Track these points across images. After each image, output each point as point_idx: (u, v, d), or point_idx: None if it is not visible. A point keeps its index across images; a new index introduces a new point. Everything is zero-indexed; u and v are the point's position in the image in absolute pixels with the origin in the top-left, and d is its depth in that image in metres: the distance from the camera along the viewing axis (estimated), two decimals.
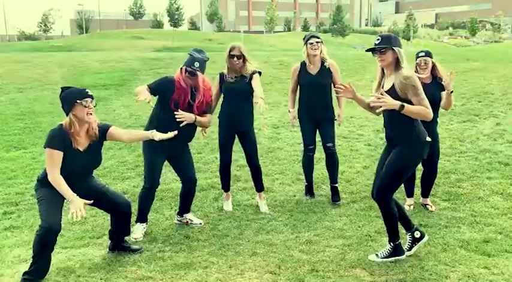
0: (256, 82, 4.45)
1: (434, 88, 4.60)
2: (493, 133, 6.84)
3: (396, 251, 3.63)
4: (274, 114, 8.19)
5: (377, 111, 3.61)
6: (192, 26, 70.14)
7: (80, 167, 3.43)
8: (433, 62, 4.69)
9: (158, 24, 57.60)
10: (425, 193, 4.81)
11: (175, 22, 46.62)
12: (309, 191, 5.10)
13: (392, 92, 3.39)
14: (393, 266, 3.51)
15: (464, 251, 3.79)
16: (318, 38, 4.86)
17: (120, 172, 5.70)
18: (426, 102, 3.37)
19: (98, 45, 35.43)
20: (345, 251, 3.78)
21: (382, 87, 3.52)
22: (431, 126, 4.59)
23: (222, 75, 4.61)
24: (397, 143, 3.53)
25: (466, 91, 8.84)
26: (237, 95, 4.53)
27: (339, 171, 5.27)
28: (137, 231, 4.08)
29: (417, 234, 3.71)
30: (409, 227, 3.71)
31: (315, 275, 3.38)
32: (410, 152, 3.48)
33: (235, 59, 4.47)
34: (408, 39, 48.12)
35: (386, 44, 3.42)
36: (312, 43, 4.76)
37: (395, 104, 3.32)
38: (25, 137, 6.96)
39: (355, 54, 17.31)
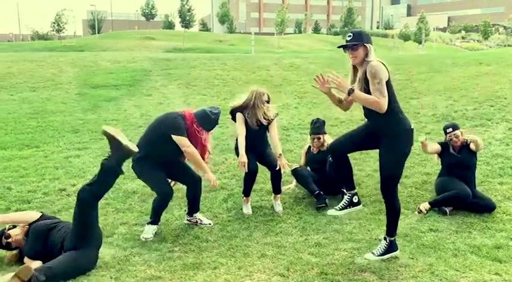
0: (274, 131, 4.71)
1: (466, 152, 4.97)
2: (506, 138, 6.76)
3: (392, 246, 3.63)
4: (285, 116, 8.18)
5: (343, 103, 3.62)
6: (203, 27, 70.37)
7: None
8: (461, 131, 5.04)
9: (170, 25, 57.84)
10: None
11: (186, 23, 46.76)
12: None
13: (363, 86, 3.37)
14: (403, 271, 3.49)
15: (475, 256, 3.76)
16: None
17: (131, 172, 5.71)
18: (382, 93, 3.31)
19: (109, 45, 35.71)
20: (354, 254, 3.77)
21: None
22: (467, 187, 4.72)
23: (246, 120, 4.59)
24: (381, 133, 3.45)
25: (478, 95, 8.75)
26: (260, 141, 4.72)
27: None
28: (148, 231, 4.12)
29: (355, 199, 3.70)
30: (352, 188, 3.68)
31: (324, 278, 3.37)
32: (400, 145, 3.43)
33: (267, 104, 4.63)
34: (420, 43, 47.79)
35: (358, 40, 3.40)
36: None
37: (345, 86, 3.32)
38: (37, 136, 7.02)
39: None
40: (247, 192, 4.80)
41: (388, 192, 3.54)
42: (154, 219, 4.18)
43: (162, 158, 4.16)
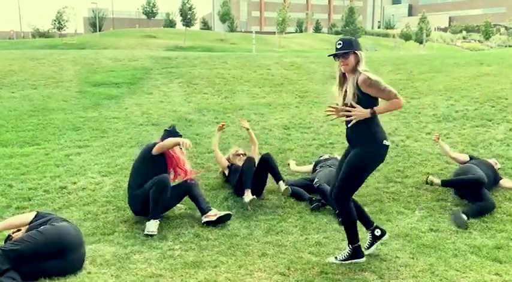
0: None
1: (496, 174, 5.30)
2: (506, 138, 6.76)
3: (356, 253, 3.60)
4: (286, 115, 8.18)
5: (349, 125, 3.53)
6: (204, 25, 70.34)
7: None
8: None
9: (171, 24, 57.86)
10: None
11: (187, 22, 46.80)
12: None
13: (357, 94, 3.39)
14: (403, 270, 3.50)
15: (476, 256, 3.76)
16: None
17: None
18: (392, 92, 3.37)
19: (110, 43, 35.72)
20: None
21: (345, 92, 3.49)
22: (484, 193, 4.81)
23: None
24: (355, 144, 3.51)
25: (479, 95, 8.74)
26: None
27: None
28: (151, 226, 4.15)
29: (377, 232, 3.70)
30: (369, 225, 3.70)
31: (324, 277, 3.38)
32: (367, 153, 3.46)
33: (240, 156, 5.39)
34: (421, 43, 47.75)
35: (348, 48, 3.41)
36: None
37: (366, 113, 3.36)
38: (38, 134, 7.02)
39: (367, 56, 17.30)
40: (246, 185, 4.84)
41: (340, 201, 3.55)
42: (155, 214, 4.18)
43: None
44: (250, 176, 4.85)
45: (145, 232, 4.10)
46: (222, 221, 4.37)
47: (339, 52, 3.42)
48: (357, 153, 3.46)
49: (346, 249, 3.65)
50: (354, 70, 3.43)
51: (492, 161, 5.55)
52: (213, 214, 4.37)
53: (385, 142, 3.47)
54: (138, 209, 4.40)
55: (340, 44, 3.45)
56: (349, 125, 3.49)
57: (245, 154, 5.43)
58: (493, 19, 60.06)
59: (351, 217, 3.57)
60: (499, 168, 5.53)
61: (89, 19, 64.93)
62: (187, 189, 4.53)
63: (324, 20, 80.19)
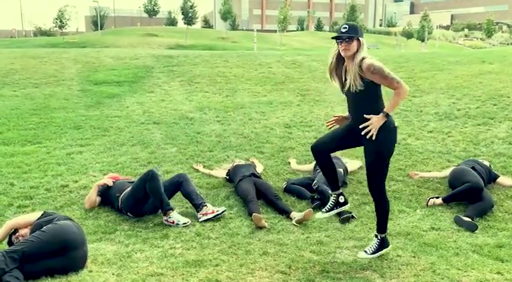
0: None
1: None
2: (508, 137, 6.75)
3: (384, 243, 3.62)
4: (287, 114, 8.17)
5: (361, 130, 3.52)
6: (206, 24, 70.34)
7: None
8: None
9: (172, 22, 57.89)
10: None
11: (189, 20, 46.80)
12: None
13: (361, 82, 3.36)
14: (404, 269, 3.49)
15: (477, 255, 3.75)
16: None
17: (133, 168, 5.74)
18: (395, 79, 3.32)
19: (112, 42, 35.74)
20: (355, 252, 3.76)
21: (345, 80, 3.44)
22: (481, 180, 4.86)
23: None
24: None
25: (481, 94, 8.72)
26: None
27: (350, 172, 5.31)
28: (177, 217, 4.28)
29: (341, 199, 3.68)
30: (336, 188, 3.68)
31: (326, 276, 3.37)
32: (385, 139, 3.41)
33: None
34: (423, 41, 47.64)
35: (353, 33, 3.38)
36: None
37: (382, 118, 3.34)
38: (40, 132, 7.02)
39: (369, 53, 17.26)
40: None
41: (375, 189, 3.53)
42: (167, 205, 4.29)
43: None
44: (252, 200, 4.65)
45: (180, 224, 4.23)
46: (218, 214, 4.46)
47: (344, 35, 3.36)
48: (376, 143, 3.39)
49: (374, 241, 3.64)
50: (353, 57, 3.37)
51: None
52: (211, 211, 4.40)
53: (396, 124, 3.50)
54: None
55: (345, 27, 3.40)
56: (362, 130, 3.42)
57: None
58: (495, 17, 59.80)
59: (387, 206, 3.59)
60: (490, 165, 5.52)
61: (90, 17, 64.97)
62: (177, 186, 4.59)
63: (325, 18, 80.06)
